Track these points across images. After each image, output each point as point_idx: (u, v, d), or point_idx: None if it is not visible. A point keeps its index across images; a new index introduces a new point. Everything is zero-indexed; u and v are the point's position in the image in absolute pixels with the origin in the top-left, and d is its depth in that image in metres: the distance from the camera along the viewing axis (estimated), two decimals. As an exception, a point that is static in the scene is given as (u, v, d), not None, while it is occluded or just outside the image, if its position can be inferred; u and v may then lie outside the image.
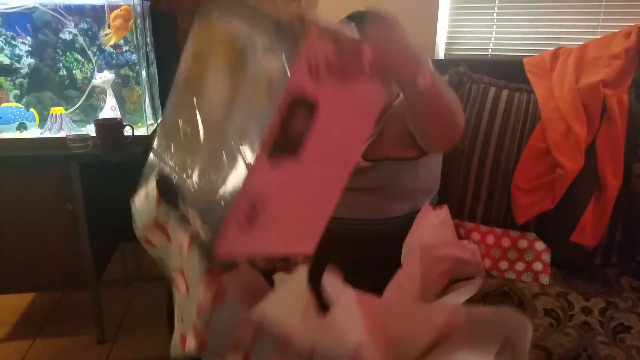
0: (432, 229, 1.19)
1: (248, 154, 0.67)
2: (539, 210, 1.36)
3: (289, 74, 0.65)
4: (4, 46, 1.74)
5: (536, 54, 1.60)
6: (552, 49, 1.58)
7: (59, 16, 1.74)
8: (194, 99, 0.78)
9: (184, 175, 0.77)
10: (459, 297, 1.05)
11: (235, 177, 0.69)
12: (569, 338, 1.07)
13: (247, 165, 0.67)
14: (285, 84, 0.65)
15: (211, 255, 0.71)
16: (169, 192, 0.80)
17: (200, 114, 0.77)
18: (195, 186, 0.74)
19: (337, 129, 0.75)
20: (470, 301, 1.18)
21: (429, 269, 1.10)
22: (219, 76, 0.74)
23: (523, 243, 1.33)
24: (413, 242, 1.12)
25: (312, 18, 0.66)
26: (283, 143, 0.69)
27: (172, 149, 0.81)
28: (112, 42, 1.77)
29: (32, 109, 1.77)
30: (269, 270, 0.82)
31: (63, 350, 1.79)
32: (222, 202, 0.69)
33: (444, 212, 1.27)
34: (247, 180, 0.67)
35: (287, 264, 0.83)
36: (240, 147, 0.68)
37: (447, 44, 1.93)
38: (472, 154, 1.48)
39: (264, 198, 0.71)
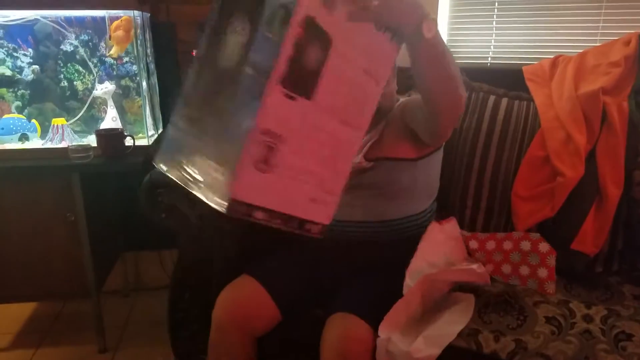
0: (438, 249, 1.19)
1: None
2: (539, 218, 1.36)
3: None
4: (6, 58, 1.75)
5: (535, 62, 1.61)
6: (552, 57, 1.59)
7: (60, 28, 1.76)
8: (215, 57, 0.76)
9: (200, 134, 0.75)
10: (453, 325, 1.08)
11: (251, 114, 0.67)
12: (571, 346, 1.06)
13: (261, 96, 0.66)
14: (297, 5, 0.65)
15: (227, 197, 0.68)
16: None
17: (217, 68, 0.75)
18: (211, 138, 0.73)
19: (349, 78, 0.75)
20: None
21: (430, 290, 1.12)
22: (238, 26, 0.73)
23: (526, 245, 1.30)
24: (418, 267, 1.13)
25: None
26: (297, 78, 0.68)
27: (189, 114, 0.79)
28: (116, 54, 1.78)
29: (33, 120, 1.78)
30: (285, 232, 0.80)
31: (65, 359, 1.79)
32: (239, 141, 0.67)
33: (451, 225, 1.28)
34: (261, 110, 0.66)
35: (303, 231, 0.82)
36: (256, 81, 0.67)
37: (446, 52, 1.94)
38: (471, 162, 1.49)
39: (279, 139, 0.70)
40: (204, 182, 0.72)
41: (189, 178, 0.75)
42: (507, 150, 1.46)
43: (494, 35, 1.86)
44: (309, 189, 0.78)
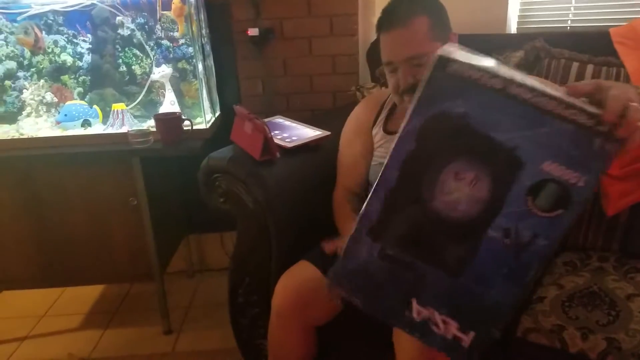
0: None
1: None
2: (633, 200, 1.21)
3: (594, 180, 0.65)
4: (67, 45, 1.77)
5: (624, 23, 1.43)
6: (644, 15, 1.41)
7: (116, 12, 1.75)
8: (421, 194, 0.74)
9: (408, 274, 0.74)
10: None
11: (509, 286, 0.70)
12: (673, 346, 0.93)
13: None
14: (586, 188, 0.64)
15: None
16: None
17: (430, 208, 0.73)
18: (434, 287, 0.73)
19: None
20: (555, 300, 1.07)
21: None
22: (467, 175, 0.69)
23: None
24: None
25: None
26: None
27: (387, 250, 0.78)
28: (182, 30, 1.76)
29: (95, 106, 1.80)
30: None
31: (131, 340, 1.84)
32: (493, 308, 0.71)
33: None
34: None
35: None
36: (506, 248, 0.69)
37: (519, 16, 1.77)
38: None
39: None
40: (436, 327, 0.74)
41: (405, 316, 0.76)
42: (594, 123, 1.31)
43: (574, -6, 1.68)
44: None
